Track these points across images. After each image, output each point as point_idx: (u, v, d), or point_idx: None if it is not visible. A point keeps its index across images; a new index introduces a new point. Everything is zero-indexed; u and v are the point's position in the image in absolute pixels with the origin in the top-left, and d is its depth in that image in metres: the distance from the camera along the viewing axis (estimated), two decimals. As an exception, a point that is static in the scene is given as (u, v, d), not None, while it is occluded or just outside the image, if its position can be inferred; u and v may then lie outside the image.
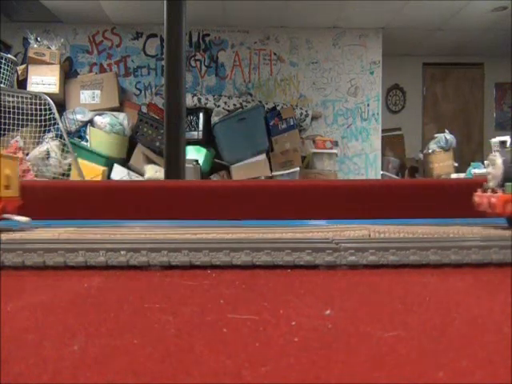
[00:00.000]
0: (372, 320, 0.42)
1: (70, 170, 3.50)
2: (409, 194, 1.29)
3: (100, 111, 4.40)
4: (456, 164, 5.23)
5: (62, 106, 4.40)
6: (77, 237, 0.70)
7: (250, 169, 4.35)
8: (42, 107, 3.27)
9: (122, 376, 0.30)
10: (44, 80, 4.29)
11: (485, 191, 0.80)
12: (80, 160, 3.52)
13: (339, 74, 5.28)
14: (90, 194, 1.29)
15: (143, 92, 5.16)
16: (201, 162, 4.16)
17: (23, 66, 4.37)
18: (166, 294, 0.51)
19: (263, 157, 4.46)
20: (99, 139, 4.21)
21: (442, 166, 5.29)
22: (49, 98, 3.28)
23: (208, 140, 4.56)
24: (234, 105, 4.76)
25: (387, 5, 4.66)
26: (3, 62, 3.39)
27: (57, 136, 3.57)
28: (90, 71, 5.09)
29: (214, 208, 1.28)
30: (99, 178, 3.85)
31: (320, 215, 1.20)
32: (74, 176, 3.39)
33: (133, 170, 4.25)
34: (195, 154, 4.25)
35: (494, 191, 0.77)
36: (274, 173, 4.44)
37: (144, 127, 4.37)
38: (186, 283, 0.55)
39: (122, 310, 0.45)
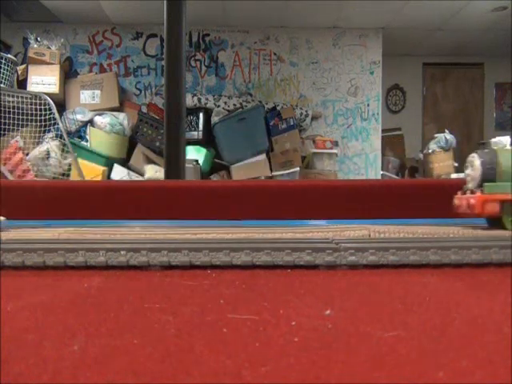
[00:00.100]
0: (372, 320, 0.42)
1: (69, 169, 3.50)
2: (409, 193, 1.29)
3: (100, 111, 4.40)
4: (456, 164, 5.23)
5: (61, 106, 4.40)
6: (77, 237, 0.70)
7: (250, 169, 4.35)
8: (42, 107, 3.27)
9: (122, 376, 0.30)
10: (44, 80, 4.29)
11: (464, 193, 0.80)
12: (80, 160, 3.52)
13: (339, 74, 5.28)
14: (90, 194, 1.29)
15: (143, 92, 5.16)
16: (201, 162, 4.16)
17: (23, 66, 4.37)
18: (166, 293, 0.51)
19: (263, 157, 4.46)
20: (99, 139, 4.21)
21: (442, 165, 5.29)
22: (49, 98, 3.28)
23: (208, 140, 4.56)
24: (234, 105, 4.76)
25: (387, 5, 4.66)
26: (3, 61, 3.39)
27: (57, 136, 3.57)
28: (90, 71, 5.09)
29: (214, 208, 1.28)
30: (99, 178, 3.85)
31: (320, 215, 1.20)
32: (73, 176, 3.39)
33: (133, 170, 4.25)
34: (195, 154, 4.25)
35: (473, 192, 0.77)
36: (274, 173, 4.44)
37: (144, 127, 4.37)
38: (186, 283, 0.55)
39: (122, 310, 0.45)
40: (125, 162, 4.35)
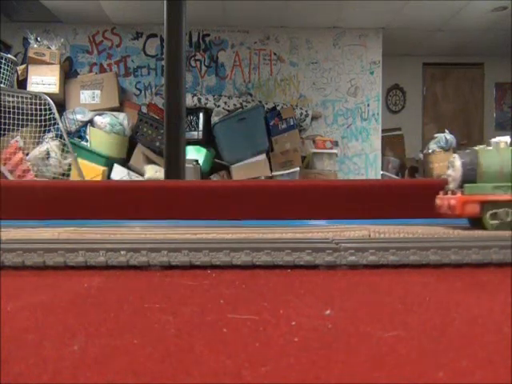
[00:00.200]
0: (372, 320, 0.42)
1: (69, 169, 3.50)
2: (409, 193, 1.29)
3: (100, 111, 4.40)
4: (456, 164, 5.21)
5: (62, 106, 4.40)
6: (77, 237, 0.70)
7: (250, 169, 4.35)
8: (42, 107, 3.27)
9: (122, 376, 0.30)
10: (44, 80, 4.28)
11: (446, 193, 0.80)
12: (80, 160, 3.52)
13: (339, 73, 5.28)
14: (90, 194, 1.29)
15: (143, 92, 5.16)
16: (201, 162, 4.16)
17: (23, 66, 4.37)
18: (166, 293, 0.51)
19: (263, 157, 4.46)
20: (99, 139, 4.21)
21: (442, 166, 5.29)
22: (49, 98, 3.28)
23: (208, 140, 4.55)
24: (234, 105, 4.76)
25: (387, 5, 4.66)
26: (3, 61, 3.39)
27: (57, 136, 3.57)
28: (90, 71, 5.09)
29: (214, 208, 1.28)
30: (99, 178, 3.85)
31: (320, 215, 1.20)
32: (73, 176, 3.39)
33: (133, 170, 4.25)
34: (195, 154, 4.25)
35: (453, 193, 0.78)
36: (274, 173, 4.43)
37: (144, 127, 4.37)
38: (186, 283, 0.55)
39: (122, 310, 0.45)
40: (125, 162, 4.35)
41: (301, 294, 0.50)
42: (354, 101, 5.30)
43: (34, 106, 3.27)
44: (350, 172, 5.27)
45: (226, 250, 0.62)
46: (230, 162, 4.43)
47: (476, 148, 0.80)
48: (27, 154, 3.52)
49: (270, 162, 4.49)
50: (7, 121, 3.27)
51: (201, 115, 4.58)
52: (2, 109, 3.24)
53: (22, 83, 4.26)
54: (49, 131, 3.49)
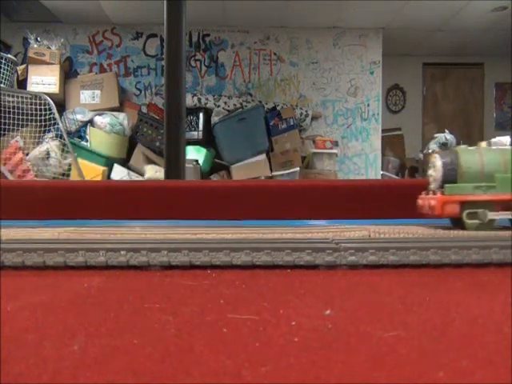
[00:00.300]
0: (372, 320, 0.42)
1: (69, 170, 3.50)
2: (409, 193, 1.29)
3: (100, 111, 4.40)
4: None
5: (62, 106, 4.40)
6: (77, 237, 0.70)
7: (250, 169, 4.35)
8: (42, 107, 3.27)
9: (122, 376, 0.30)
10: (44, 80, 4.28)
11: (428, 193, 0.80)
12: (80, 160, 3.52)
13: (339, 73, 5.28)
14: (90, 194, 1.29)
15: (143, 92, 5.16)
16: (201, 162, 4.16)
17: (23, 66, 4.37)
18: (166, 293, 0.51)
19: (263, 157, 4.46)
20: (99, 139, 4.20)
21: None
22: (49, 98, 3.28)
23: (208, 140, 4.55)
24: (234, 105, 4.76)
25: (387, 5, 4.66)
26: (3, 61, 3.39)
27: (57, 136, 3.57)
28: (90, 71, 5.09)
29: (214, 208, 1.28)
30: (99, 178, 3.85)
31: (320, 215, 1.20)
32: (73, 176, 3.39)
33: (133, 170, 4.25)
34: (195, 154, 4.25)
35: (435, 193, 0.77)
36: (274, 173, 4.43)
37: (144, 127, 4.37)
38: (186, 283, 0.55)
39: (122, 310, 0.45)
40: (125, 162, 4.35)
41: (301, 294, 0.50)
42: (354, 101, 5.30)
43: (34, 106, 3.27)
44: (349, 172, 5.27)
45: (226, 249, 0.62)
46: (230, 162, 4.43)
47: (456, 148, 0.80)
48: (27, 154, 3.52)
49: (270, 162, 4.49)
50: (7, 121, 3.27)
51: (201, 115, 4.58)
52: (2, 109, 3.24)
53: (22, 83, 4.26)
54: (49, 131, 3.49)
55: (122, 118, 4.36)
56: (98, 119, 4.29)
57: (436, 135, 5.49)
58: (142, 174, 4.15)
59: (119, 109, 4.62)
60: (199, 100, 4.69)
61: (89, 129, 4.27)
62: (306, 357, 0.33)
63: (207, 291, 0.52)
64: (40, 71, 4.28)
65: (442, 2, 4.60)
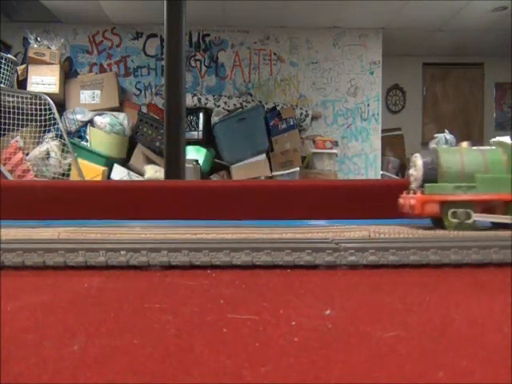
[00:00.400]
0: (372, 320, 0.42)
1: (69, 170, 3.50)
2: (409, 194, 1.29)
3: (100, 111, 4.40)
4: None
5: (62, 106, 4.40)
6: (77, 237, 0.70)
7: (250, 169, 4.35)
8: (42, 107, 3.27)
9: (122, 376, 0.30)
10: (44, 80, 4.28)
11: (409, 193, 0.80)
12: (80, 160, 3.52)
13: (339, 73, 5.28)
14: (90, 194, 1.29)
15: (143, 92, 5.15)
16: (201, 162, 4.16)
17: (23, 66, 4.37)
18: (166, 293, 0.51)
19: (263, 157, 4.46)
20: (99, 139, 4.20)
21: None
22: (49, 98, 3.28)
23: (208, 140, 4.55)
24: (234, 105, 4.76)
25: (387, 5, 4.66)
26: (3, 61, 3.39)
27: (57, 136, 3.57)
28: (90, 71, 5.09)
29: (214, 208, 1.28)
30: (99, 178, 3.85)
31: (320, 215, 1.20)
32: (73, 176, 3.38)
33: (133, 170, 4.25)
34: (195, 154, 4.25)
35: (415, 193, 0.78)
36: (274, 173, 4.43)
37: (144, 127, 4.37)
38: (186, 283, 0.55)
39: (122, 310, 0.45)
40: (125, 162, 4.35)
41: (301, 294, 0.50)
42: (354, 101, 5.30)
43: (34, 106, 3.27)
44: (349, 172, 5.27)
45: (226, 249, 0.62)
46: (230, 162, 4.43)
47: (437, 147, 0.80)
48: (27, 154, 3.52)
49: (270, 162, 4.49)
50: (7, 121, 3.27)
51: (201, 115, 4.58)
52: (2, 109, 3.24)
53: (22, 83, 4.26)
54: (49, 131, 3.49)
55: (122, 118, 4.36)
56: (97, 119, 4.29)
57: (436, 135, 5.49)
58: (142, 174, 4.15)
59: (119, 109, 4.62)
60: (199, 100, 4.69)
61: (89, 129, 4.27)
62: (305, 357, 0.33)
63: (207, 291, 0.52)
64: (40, 71, 4.28)
65: (442, 1, 4.59)
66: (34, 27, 4.89)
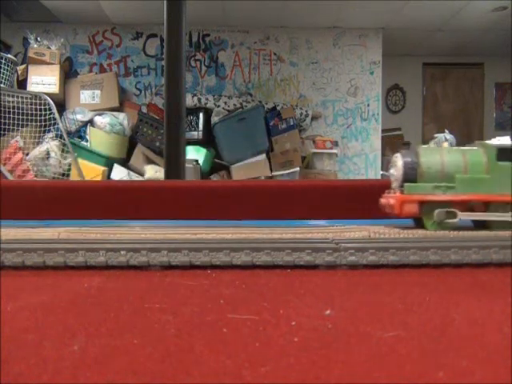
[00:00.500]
0: (372, 320, 0.42)
1: (69, 170, 3.50)
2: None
3: (100, 111, 4.40)
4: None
5: (62, 106, 4.40)
6: (77, 237, 0.70)
7: (250, 169, 4.35)
8: (42, 107, 3.26)
9: (122, 376, 0.30)
10: (44, 80, 4.28)
11: (389, 192, 0.80)
12: (80, 160, 3.52)
13: (339, 74, 5.28)
14: (90, 194, 1.29)
15: (143, 92, 5.15)
16: (201, 162, 4.16)
17: (23, 66, 4.37)
18: (166, 293, 0.51)
19: (263, 157, 4.45)
20: (99, 139, 4.20)
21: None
22: (49, 98, 3.28)
23: (208, 140, 4.55)
24: (234, 105, 4.76)
25: (387, 5, 4.66)
26: (3, 61, 3.39)
27: (57, 136, 3.57)
28: (90, 71, 5.09)
29: (214, 208, 1.28)
30: (99, 178, 3.85)
31: (320, 215, 1.20)
32: (73, 176, 3.38)
33: (133, 170, 4.25)
34: (195, 154, 4.25)
35: (395, 193, 0.78)
36: (274, 173, 4.43)
37: (144, 127, 4.37)
38: (186, 283, 0.55)
39: (122, 310, 0.45)
40: (125, 162, 4.34)
41: (301, 294, 0.50)
42: (354, 101, 5.30)
43: (34, 106, 3.27)
44: (349, 172, 5.26)
45: (226, 249, 0.62)
46: (230, 162, 4.43)
47: (417, 148, 0.80)
48: (27, 154, 3.52)
49: (270, 162, 4.49)
50: (7, 121, 3.27)
51: (201, 115, 4.58)
52: (2, 109, 3.24)
53: (22, 83, 4.26)
54: (49, 131, 3.49)
55: (122, 118, 4.36)
56: (97, 119, 4.29)
57: (436, 135, 5.49)
58: (142, 174, 4.15)
59: (119, 109, 4.62)
60: (199, 100, 4.69)
61: (89, 129, 4.27)
62: (305, 357, 0.33)
63: (207, 291, 0.52)
64: (40, 71, 4.28)
65: (442, 2, 4.59)
66: (34, 27, 4.89)
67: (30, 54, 4.29)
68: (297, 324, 0.40)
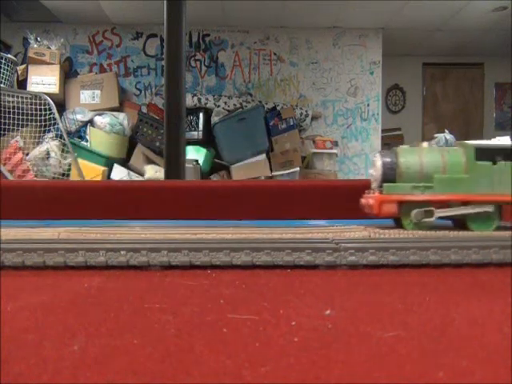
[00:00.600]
0: (372, 320, 0.42)
1: (69, 170, 3.50)
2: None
3: (100, 111, 4.40)
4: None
5: (62, 106, 4.40)
6: (77, 237, 0.70)
7: (250, 169, 4.35)
8: (42, 107, 3.26)
9: (122, 376, 0.30)
10: (44, 80, 4.28)
11: (369, 193, 0.81)
12: (80, 160, 3.52)
13: (339, 74, 5.28)
14: (90, 194, 1.29)
15: (143, 92, 5.15)
16: (201, 162, 4.16)
17: (23, 66, 4.37)
18: (166, 293, 0.51)
19: (263, 157, 4.45)
20: (99, 139, 4.20)
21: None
22: (49, 98, 3.28)
23: (208, 140, 4.55)
24: (234, 105, 4.76)
25: (387, 5, 4.66)
26: (3, 61, 3.39)
27: (57, 136, 3.57)
28: (90, 71, 5.09)
29: (214, 208, 1.28)
30: (99, 178, 3.85)
31: (320, 215, 1.20)
32: (73, 176, 3.38)
33: (133, 170, 4.25)
34: (195, 154, 4.24)
35: (375, 193, 0.78)
36: (274, 173, 4.43)
37: (144, 127, 4.37)
38: (186, 283, 0.55)
39: (122, 310, 0.45)
40: (125, 162, 4.34)
41: (301, 294, 0.50)
42: (354, 101, 5.30)
43: (34, 106, 3.27)
44: (349, 172, 5.26)
45: (226, 249, 0.62)
46: (230, 162, 4.43)
47: (397, 148, 0.80)
48: (27, 154, 3.52)
49: (270, 162, 4.49)
50: (7, 121, 3.27)
51: (201, 115, 4.58)
52: (2, 109, 3.24)
53: (22, 83, 4.26)
54: (49, 131, 3.48)
55: (122, 118, 4.36)
56: (97, 119, 4.29)
57: (436, 135, 5.49)
58: (142, 174, 4.15)
59: (119, 109, 4.62)
60: (199, 100, 4.69)
61: (89, 129, 4.27)
62: (305, 357, 0.33)
63: (207, 291, 0.52)
64: (40, 71, 4.28)
65: (442, 2, 4.60)
66: (34, 27, 4.89)
67: (30, 54, 4.29)
68: (297, 324, 0.40)
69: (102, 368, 0.31)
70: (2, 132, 3.31)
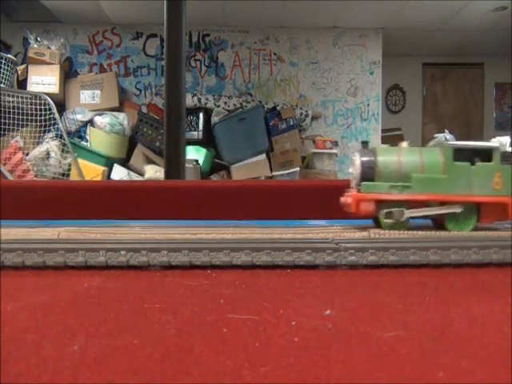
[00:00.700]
0: (372, 320, 0.42)
1: (69, 170, 3.50)
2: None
3: (100, 111, 4.40)
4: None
5: (62, 106, 4.40)
6: (77, 237, 0.70)
7: (250, 169, 4.35)
8: (42, 107, 3.26)
9: (122, 376, 0.30)
10: (44, 80, 4.28)
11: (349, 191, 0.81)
12: (80, 160, 3.51)
13: (339, 74, 5.28)
14: (90, 194, 1.29)
15: (143, 92, 5.15)
16: (201, 162, 4.16)
17: (23, 66, 4.37)
18: (166, 293, 0.51)
19: (263, 157, 4.45)
20: (99, 139, 4.20)
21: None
22: (49, 98, 3.27)
23: (208, 140, 4.55)
24: (234, 105, 4.76)
25: (387, 5, 4.66)
26: (3, 61, 3.39)
27: (57, 136, 3.57)
28: (90, 71, 5.09)
29: (214, 208, 1.28)
30: (99, 178, 3.85)
31: (320, 215, 1.20)
32: (73, 176, 3.38)
33: (133, 170, 4.25)
34: (195, 154, 4.24)
35: (353, 191, 0.78)
36: (274, 173, 4.43)
37: (144, 127, 4.37)
38: (186, 283, 0.55)
39: (122, 310, 0.45)
40: (125, 162, 4.34)
41: (301, 294, 0.50)
42: (354, 101, 5.30)
43: (34, 106, 3.27)
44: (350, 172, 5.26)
45: (226, 249, 0.62)
46: (230, 162, 4.43)
47: (375, 147, 0.80)
48: (27, 154, 3.52)
49: (270, 162, 4.49)
50: (7, 121, 3.27)
51: (201, 115, 4.58)
52: (2, 109, 3.24)
53: (22, 83, 4.26)
54: (49, 131, 3.48)
55: (122, 118, 4.36)
56: (97, 119, 4.29)
57: (436, 135, 5.49)
58: (142, 174, 4.15)
59: (119, 109, 4.62)
60: (199, 100, 4.69)
61: (89, 129, 4.27)
62: (305, 357, 0.33)
63: (207, 291, 0.52)
64: (40, 71, 4.28)
65: (442, 2, 4.59)
66: (34, 27, 4.89)
67: (30, 54, 4.29)
68: (297, 324, 0.40)
69: (102, 368, 0.31)
70: (2, 132, 3.31)
